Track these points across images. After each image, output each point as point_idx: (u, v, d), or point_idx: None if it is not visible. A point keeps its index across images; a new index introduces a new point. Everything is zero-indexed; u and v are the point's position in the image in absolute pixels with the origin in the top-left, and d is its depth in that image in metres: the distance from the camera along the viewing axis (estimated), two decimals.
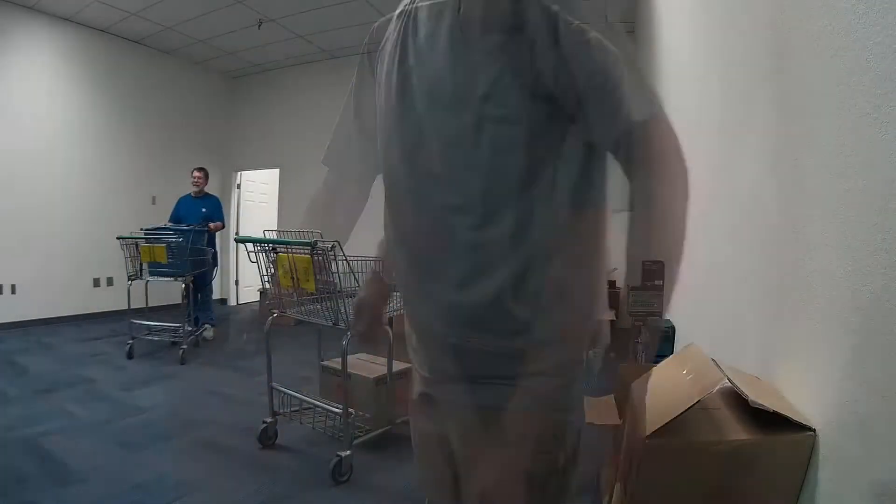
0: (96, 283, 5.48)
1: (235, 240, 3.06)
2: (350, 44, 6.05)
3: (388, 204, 0.86)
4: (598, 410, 1.58)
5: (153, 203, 6.16)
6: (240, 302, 7.14)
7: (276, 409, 2.32)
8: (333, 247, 1.94)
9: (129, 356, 3.89)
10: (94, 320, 5.16)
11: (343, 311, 2.03)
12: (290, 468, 2.12)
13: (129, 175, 5.98)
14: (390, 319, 2.29)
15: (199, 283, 4.41)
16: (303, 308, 2.22)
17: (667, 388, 0.97)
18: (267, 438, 2.31)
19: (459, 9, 0.70)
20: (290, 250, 2.07)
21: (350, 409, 2.09)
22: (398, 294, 0.92)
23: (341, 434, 2.03)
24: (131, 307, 3.97)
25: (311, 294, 2.09)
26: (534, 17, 0.66)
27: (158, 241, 3.94)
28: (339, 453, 1.98)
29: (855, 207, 0.73)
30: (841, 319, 0.76)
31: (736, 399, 0.91)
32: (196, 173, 4.78)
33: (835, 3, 0.78)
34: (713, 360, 1.03)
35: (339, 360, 2.12)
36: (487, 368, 0.75)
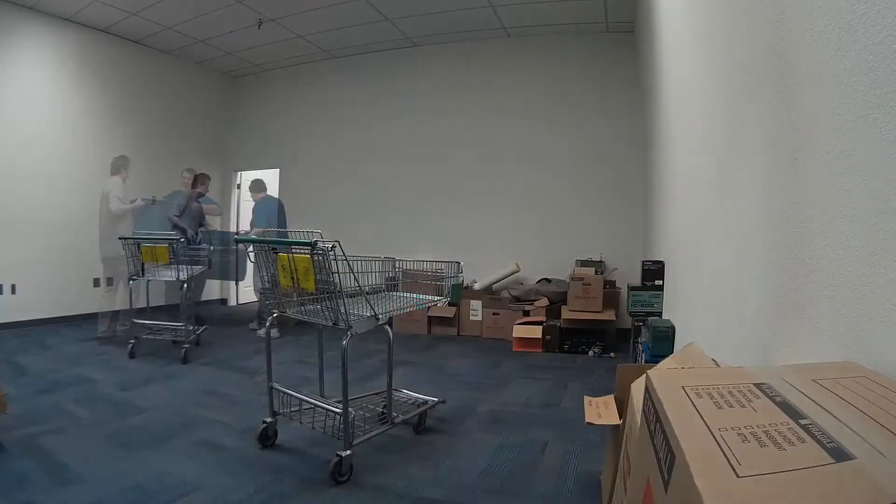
0: (96, 283, 5.48)
1: (236, 240, 3.13)
2: (350, 44, 6.06)
3: None
4: (598, 410, 1.58)
5: (153, 203, 6.15)
6: (240, 302, 7.15)
7: (275, 408, 2.31)
8: (333, 247, 1.95)
9: (132, 356, 3.89)
10: (94, 320, 5.16)
11: (343, 311, 2.03)
12: (290, 468, 2.12)
13: (129, 175, 5.97)
14: (390, 319, 2.30)
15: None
16: (303, 308, 2.22)
17: None
18: (266, 438, 2.31)
19: None
20: (290, 250, 2.07)
21: (350, 409, 2.09)
22: (397, 293, 0.91)
23: (341, 434, 2.02)
24: (133, 307, 3.98)
25: (311, 294, 2.08)
26: None
27: (160, 240, 3.96)
28: (339, 453, 1.98)
29: (855, 207, 0.73)
30: (841, 319, 0.76)
31: None
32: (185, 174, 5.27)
33: (835, 3, 0.78)
34: (713, 360, 1.03)
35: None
36: None
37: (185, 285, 3.98)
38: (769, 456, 0.42)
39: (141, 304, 4.45)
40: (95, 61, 5.61)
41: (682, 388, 0.57)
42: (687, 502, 0.41)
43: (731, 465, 0.41)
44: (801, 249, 0.91)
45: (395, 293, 2.50)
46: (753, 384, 0.58)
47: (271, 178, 7.28)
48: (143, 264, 4.00)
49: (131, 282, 4.05)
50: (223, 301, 7.15)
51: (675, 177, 2.74)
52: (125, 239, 4.03)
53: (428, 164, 6.08)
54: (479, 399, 3.14)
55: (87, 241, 5.36)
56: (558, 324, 4.57)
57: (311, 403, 2.24)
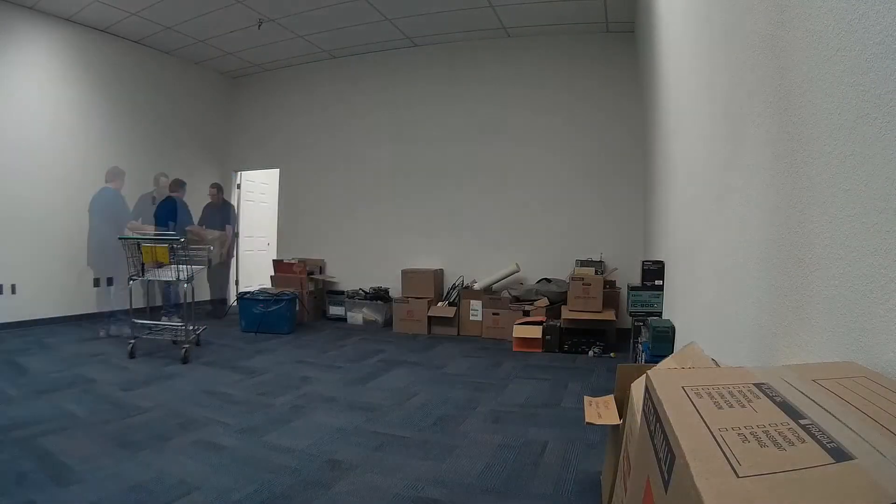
0: (96, 282, 5.48)
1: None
2: (350, 44, 6.06)
3: None
4: (598, 410, 1.58)
5: (153, 203, 6.16)
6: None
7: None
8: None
9: (132, 356, 3.90)
10: (95, 320, 5.16)
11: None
12: (291, 468, 2.12)
13: (130, 175, 5.97)
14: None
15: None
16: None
17: None
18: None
19: None
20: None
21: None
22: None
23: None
24: (133, 307, 3.98)
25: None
26: None
27: (160, 241, 3.98)
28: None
29: (855, 207, 0.73)
30: (841, 320, 0.76)
31: None
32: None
33: (835, 3, 0.78)
34: (713, 360, 1.03)
35: None
36: None
37: (187, 284, 3.99)
38: (769, 456, 0.42)
39: (139, 303, 4.46)
40: (95, 61, 5.61)
41: (682, 388, 0.57)
42: (687, 502, 0.41)
43: (731, 465, 0.41)
44: (801, 249, 0.91)
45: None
46: (753, 384, 0.58)
47: (271, 178, 7.31)
48: (143, 265, 4.01)
49: (131, 282, 4.05)
50: (223, 301, 7.15)
51: (675, 176, 2.74)
52: (125, 239, 4.04)
53: (428, 164, 6.07)
54: (479, 399, 3.14)
55: (87, 241, 5.37)
56: (558, 324, 4.57)
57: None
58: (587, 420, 1.55)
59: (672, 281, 2.78)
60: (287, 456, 2.25)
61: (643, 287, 3.07)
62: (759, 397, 0.54)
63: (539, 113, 5.66)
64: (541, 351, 4.53)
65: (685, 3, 2.24)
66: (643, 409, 0.65)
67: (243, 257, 7.37)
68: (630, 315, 3.15)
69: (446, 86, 6.04)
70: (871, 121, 0.67)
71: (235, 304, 5.55)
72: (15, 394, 2.98)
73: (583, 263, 5.04)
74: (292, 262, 6.20)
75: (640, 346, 2.87)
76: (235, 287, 7.14)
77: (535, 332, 4.58)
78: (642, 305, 3.06)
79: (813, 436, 0.45)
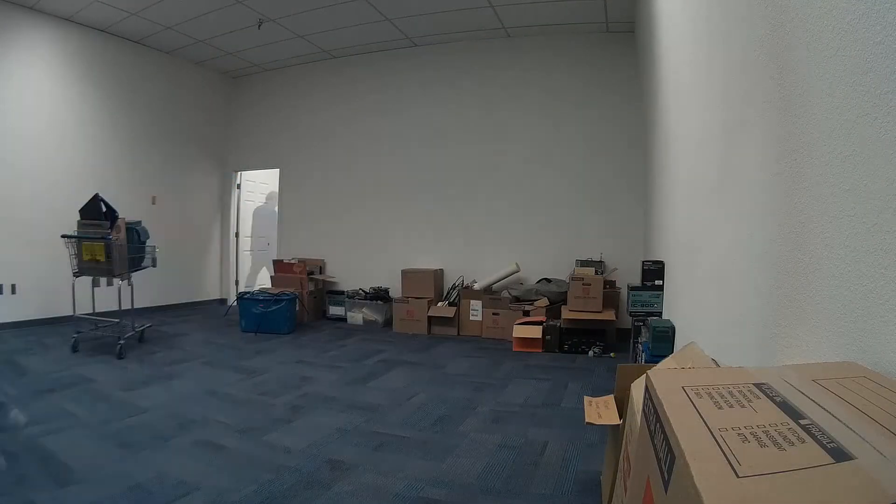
0: (96, 283, 5.47)
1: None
2: (350, 44, 6.06)
3: None
4: (598, 410, 1.58)
5: (153, 203, 6.16)
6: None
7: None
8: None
9: (75, 349, 4.08)
10: (94, 320, 5.15)
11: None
12: (291, 468, 2.12)
13: (129, 175, 5.98)
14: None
15: None
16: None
17: None
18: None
19: None
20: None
21: None
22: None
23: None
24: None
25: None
26: None
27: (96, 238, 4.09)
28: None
29: (855, 207, 0.73)
30: (841, 319, 0.76)
31: None
32: None
33: (835, 3, 0.78)
34: (713, 360, 1.03)
35: None
36: None
37: (127, 282, 4.17)
38: (769, 456, 0.42)
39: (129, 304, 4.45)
40: (95, 61, 5.61)
41: (682, 388, 0.57)
42: (687, 502, 0.41)
43: (731, 465, 0.41)
44: (801, 249, 0.91)
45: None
46: (753, 384, 0.58)
47: (271, 178, 7.31)
48: (82, 262, 4.12)
49: (74, 279, 4.15)
50: (222, 301, 7.15)
51: (675, 176, 2.74)
52: (67, 237, 4.12)
53: (428, 164, 6.07)
54: (479, 399, 3.14)
55: None
56: (558, 324, 4.57)
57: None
58: (587, 420, 1.55)
59: (672, 281, 2.78)
60: (287, 456, 2.25)
61: (643, 287, 3.07)
62: (759, 397, 0.54)
63: (539, 112, 5.66)
64: (541, 351, 4.53)
65: (684, 3, 2.24)
66: (643, 409, 0.65)
67: (242, 259, 7.37)
68: (630, 315, 3.15)
69: (446, 86, 6.04)
70: (871, 121, 0.67)
71: (235, 304, 5.54)
72: (15, 394, 2.98)
73: (583, 263, 5.04)
74: (292, 261, 6.21)
75: (640, 346, 2.87)
76: (235, 287, 7.14)
77: (535, 332, 4.58)
78: (642, 305, 3.06)
79: (813, 436, 0.44)
